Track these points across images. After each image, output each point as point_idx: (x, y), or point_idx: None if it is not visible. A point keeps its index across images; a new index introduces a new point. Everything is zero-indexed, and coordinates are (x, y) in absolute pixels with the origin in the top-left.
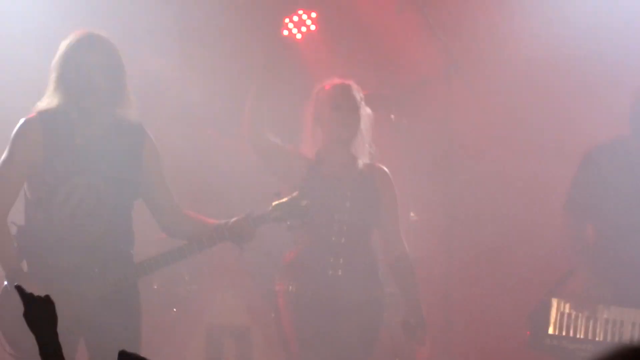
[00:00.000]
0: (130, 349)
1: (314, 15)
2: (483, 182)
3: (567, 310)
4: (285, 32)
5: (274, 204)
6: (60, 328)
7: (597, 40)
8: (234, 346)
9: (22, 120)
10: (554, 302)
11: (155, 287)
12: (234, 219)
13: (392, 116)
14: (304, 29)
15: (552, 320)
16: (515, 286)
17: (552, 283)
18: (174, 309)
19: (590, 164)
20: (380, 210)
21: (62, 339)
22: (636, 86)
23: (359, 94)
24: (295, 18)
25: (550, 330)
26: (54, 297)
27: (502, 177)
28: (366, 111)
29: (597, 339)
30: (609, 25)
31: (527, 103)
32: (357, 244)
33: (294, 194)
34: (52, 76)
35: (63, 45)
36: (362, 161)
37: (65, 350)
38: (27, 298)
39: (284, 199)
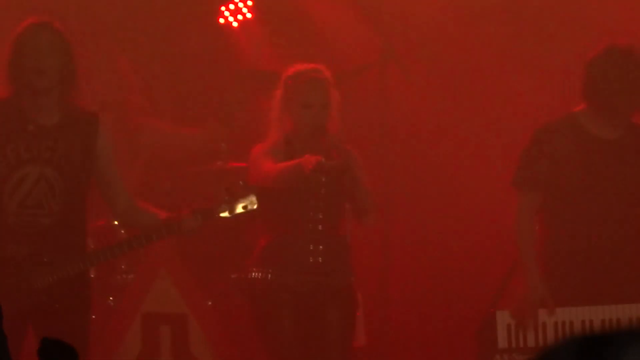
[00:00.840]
0: (78, 337)
1: (250, 2)
2: (417, 169)
3: (513, 321)
4: (222, 20)
5: (223, 198)
6: (8, 315)
7: (536, 18)
8: (169, 334)
9: None
10: (499, 315)
11: (92, 275)
12: (183, 214)
13: None
14: (240, 16)
15: (500, 334)
16: (456, 278)
17: (499, 280)
18: (110, 298)
19: (540, 141)
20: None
21: (10, 325)
22: (582, 59)
23: (328, 82)
24: (232, 6)
25: (500, 345)
26: (1, 286)
27: (438, 164)
28: (336, 97)
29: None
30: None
31: (465, 88)
32: (333, 230)
33: (242, 187)
34: (5, 63)
35: (14, 34)
36: (333, 146)
37: (12, 338)
38: None
39: (233, 193)
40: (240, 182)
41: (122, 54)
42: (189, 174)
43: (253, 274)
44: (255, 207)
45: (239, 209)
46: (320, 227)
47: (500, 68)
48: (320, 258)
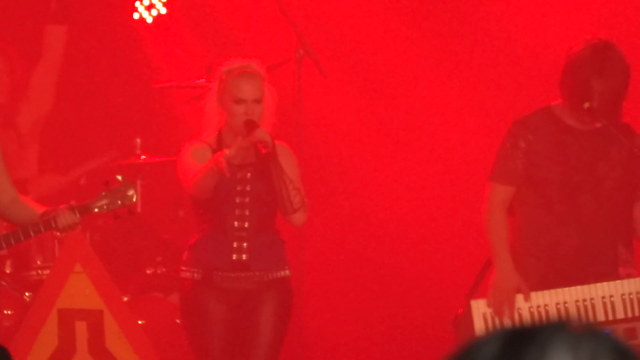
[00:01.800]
0: None
1: None
2: (332, 167)
3: (489, 310)
4: (136, 16)
5: (101, 193)
6: None
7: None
8: (85, 330)
9: None
10: (474, 304)
11: (8, 271)
12: (58, 209)
13: None
14: (154, 12)
15: (477, 324)
16: (368, 282)
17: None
18: (26, 294)
19: (515, 135)
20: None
21: None
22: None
23: (261, 77)
24: (146, 1)
25: (478, 334)
26: None
27: (354, 163)
28: (271, 94)
29: None
30: None
31: (383, 84)
32: (262, 227)
33: (121, 182)
34: None
35: None
36: (264, 141)
37: None
38: None
39: (111, 188)
40: (119, 177)
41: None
42: (104, 168)
43: (182, 273)
44: (134, 200)
45: (117, 203)
46: (246, 225)
47: (421, 66)
48: (244, 255)
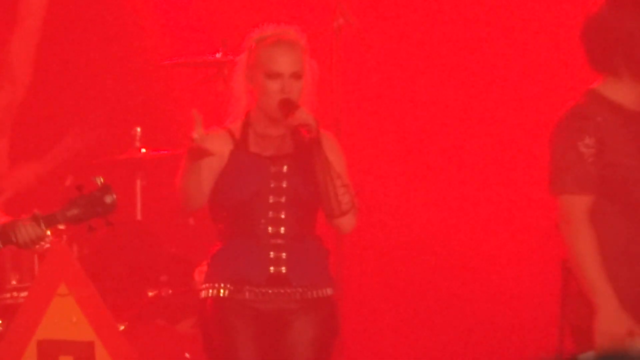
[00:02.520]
0: None
1: None
2: (371, 164)
3: None
4: None
5: (72, 199)
6: None
7: None
8: None
9: None
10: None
11: None
12: (20, 220)
13: None
14: None
15: None
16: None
17: None
18: None
19: (571, 135)
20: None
21: None
22: None
23: (301, 47)
24: None
25: None
26: None
27: (397, 158)
28: (313, 69)
29: None
30: None
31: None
32: (302, 232)
33: (100, 185)
34: None
35: None
36: (305, 127)
37: None
38: None
39: (85, 193)
40: (99, 179)
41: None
42: (94, 165)
43: (202, 292)
44: (113, 208)
45: (92, 212)
46: (282, 230)
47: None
48: (283, 268)
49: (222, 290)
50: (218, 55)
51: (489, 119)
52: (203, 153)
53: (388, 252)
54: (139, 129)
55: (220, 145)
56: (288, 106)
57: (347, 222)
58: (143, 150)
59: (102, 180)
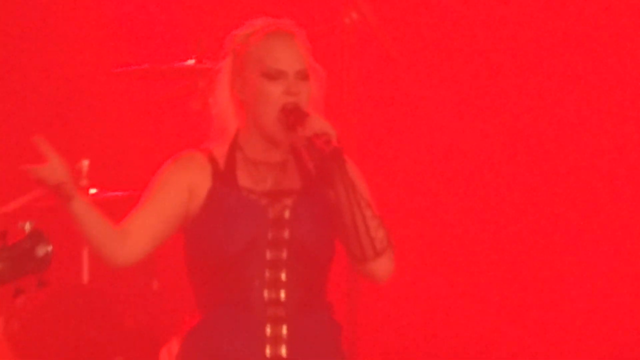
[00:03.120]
0: None
1: None
2: (392, 186)
3: None
4: None
5: None
6: None
7: None
8: None
9: None
10: None
11: None
12: None
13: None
14: None
15: None
16: None
17: None
18: None
19: None
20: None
21: None
22: None
23: (303, 42)
24: None
25: None
26: None
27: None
28: (318, 72)
29: None
30: None
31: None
32: (308, 299)
33: (26, 233)
34: None
35: None
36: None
37: None
38: None
39: (9, 245)
40: (26, 225)
41: None
42: (25, 210)
43: None
44: (47, 264)
45: (19, 270)
46: (283, 296)
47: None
48: (283, 348)
49: None
50: (191, 62)
51: (522, 127)
52: (62, 190)
53: (412, 325)
54: (85, 162)
55: (193, 176)
56: (295, 112)
57: (383, 267)
58: (92, 190)
59: (30, 226)
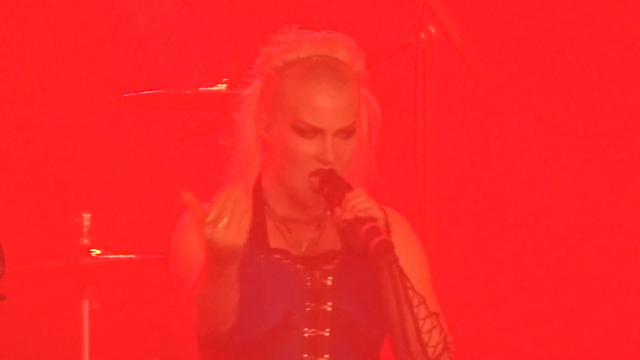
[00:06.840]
0: None
1: None
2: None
3: None
4: None
5: None
6: None
7: None
8: None
9: None
10: None
11: None
12: None
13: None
14: None
15: None
16: None
17: None
18: None
19: None
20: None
21: None
22: None
23: (355, 81)
24: None
25: None
26: None
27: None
28: (371, 111)
29: None
30: None
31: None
32: None
33: None
34: None
35: None
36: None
37: None
38: None
39: None
40: None
41: None
42: (14, 274)
43: None
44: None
45: None
46: None
47: None
48: None
49: None
50: (221, 87)
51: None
52: (230, 249)
53: None
54: (87, 216)
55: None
56: (332, 183)
57: None
58: (94, 251)
59: None
